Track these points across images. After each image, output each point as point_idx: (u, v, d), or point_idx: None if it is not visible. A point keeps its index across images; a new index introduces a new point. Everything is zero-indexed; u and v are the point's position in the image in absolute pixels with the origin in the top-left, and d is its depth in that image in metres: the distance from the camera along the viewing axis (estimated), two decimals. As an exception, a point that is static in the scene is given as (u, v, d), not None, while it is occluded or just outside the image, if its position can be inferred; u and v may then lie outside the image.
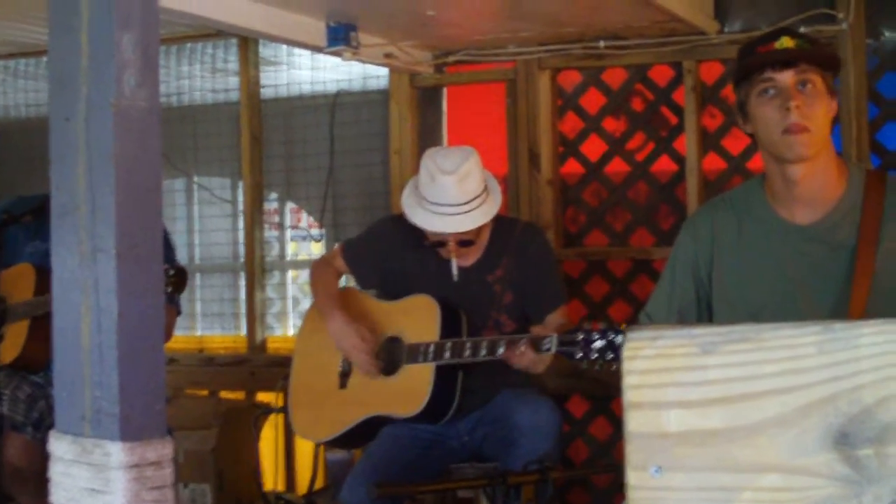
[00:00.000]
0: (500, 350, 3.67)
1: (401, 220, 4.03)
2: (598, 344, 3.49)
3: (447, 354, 3.79)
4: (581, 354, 3.51)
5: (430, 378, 3.82)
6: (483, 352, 3.72)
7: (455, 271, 3.94)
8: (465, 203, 3.83)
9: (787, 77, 2.60)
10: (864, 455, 1.18)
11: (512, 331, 3.90)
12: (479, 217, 3.86)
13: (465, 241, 3.89)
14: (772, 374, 1.22)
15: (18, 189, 4.57)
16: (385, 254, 4.08)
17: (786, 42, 2.63)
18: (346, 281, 4.34)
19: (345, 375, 4.06)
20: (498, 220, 4.03)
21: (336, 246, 4.30)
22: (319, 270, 4.23)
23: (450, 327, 3.88)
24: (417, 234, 3.99)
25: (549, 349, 3.60)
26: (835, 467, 1.19)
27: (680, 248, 2.92)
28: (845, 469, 1.18)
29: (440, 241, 3.89)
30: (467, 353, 3.75)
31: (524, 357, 3.62)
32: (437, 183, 3.82)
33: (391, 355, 3.98)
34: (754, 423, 1.22)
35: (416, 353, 3.88)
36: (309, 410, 4.15)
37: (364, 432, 3.98)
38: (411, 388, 3.87)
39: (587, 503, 4.97)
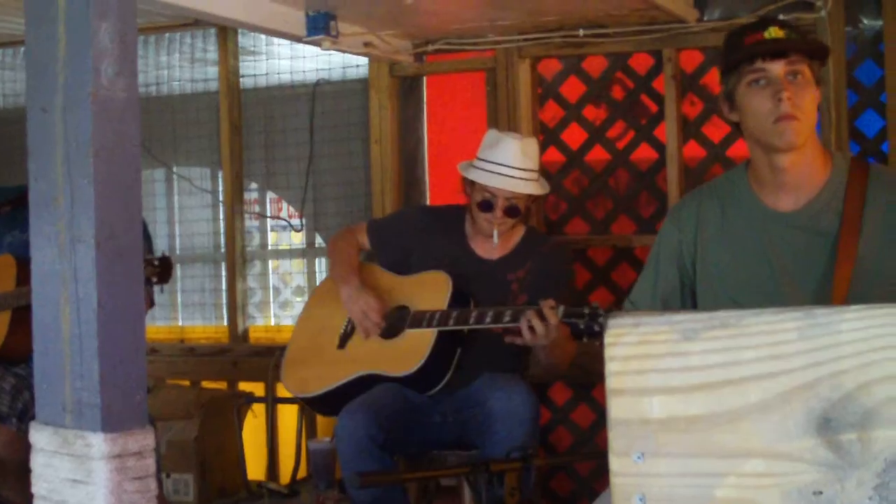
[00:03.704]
0: (506, 318, 3.67)
1: (430, 212, 4.09)
2: (604, 320, 3.47)
3: (451, 322, 3.82)
4: (584, 327, 3.51)
5: (429, 343, 3.85)
6: (488, 319, 3.73)
7: (481, 255, 4.03)
8: (524, 170, 3.98)
9: (778, 67, 2.63)
10: (846, 440, 1.18)
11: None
12: (533, 187, 4.00)
13: (512, 208, 3.97)
14: (753, 359, 1.23)
15: (-3, 181, 4.54)
16: (410, 238, 4.15)
17: (775, 32, 2.64)
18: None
19: (345, 338, 4.08)
20: (531, 231, 4.20)
21: (361, 223, 4.33)
22: (341, 239, 4.27)
23: (458, 304, 3.91)
24: (447, 225, 4.10)
25: None
26: (818, 452, 1.19)
27: (664, 237, 2.94)
28: (828, 454, 1.19)
29: (488, 204, 3.95)
30: (472, 320, 3.78)
31: (531, 326, 3.59)
32: (501, 144, 3.99)
33: (396, 321, 4.01)
34: (736, 409, 1.22)
35: (419, 319, 3.92)
36: (303, 367, 4.15)
37: (355, 392, 3.95)
38: (409, 351, 3.89)
39: (570, 490, 4.98)
